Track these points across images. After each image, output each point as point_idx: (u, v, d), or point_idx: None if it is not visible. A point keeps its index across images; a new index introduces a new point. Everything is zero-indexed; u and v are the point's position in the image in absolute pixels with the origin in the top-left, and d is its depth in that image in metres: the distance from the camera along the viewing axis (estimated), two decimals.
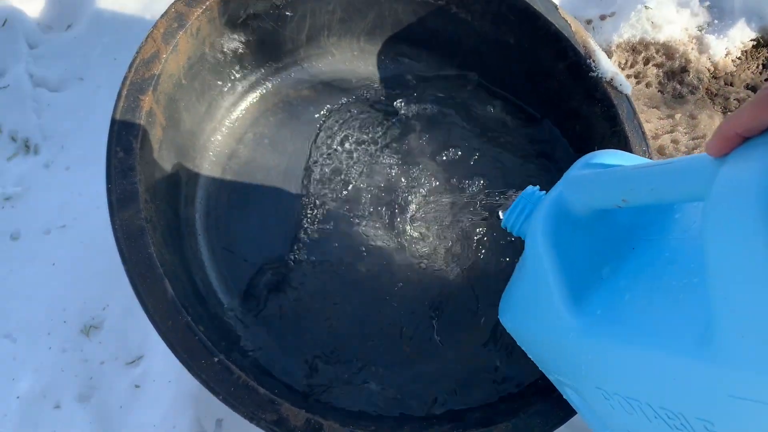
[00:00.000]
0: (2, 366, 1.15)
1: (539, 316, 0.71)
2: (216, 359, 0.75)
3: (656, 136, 1.46)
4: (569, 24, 1.13)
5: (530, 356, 0.82)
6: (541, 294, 0.67)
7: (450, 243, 1.15)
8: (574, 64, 1.15)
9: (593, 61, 1.13)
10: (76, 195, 1.28)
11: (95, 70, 1.44)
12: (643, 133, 1.10)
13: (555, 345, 0.69)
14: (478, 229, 1.15)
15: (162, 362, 1.14)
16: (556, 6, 1.14)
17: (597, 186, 0.61)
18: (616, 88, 1.13)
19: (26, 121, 1.37)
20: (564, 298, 0.64)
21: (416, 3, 1.15)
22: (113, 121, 0.88)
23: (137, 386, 1.13)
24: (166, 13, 0.92)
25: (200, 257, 1.03)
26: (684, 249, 0.59)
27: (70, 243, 1.22)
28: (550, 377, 0.79)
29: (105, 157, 0.87)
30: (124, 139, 0.87)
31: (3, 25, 1.48)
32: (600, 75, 1.13)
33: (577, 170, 0.67)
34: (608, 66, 1.13)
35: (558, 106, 1.22)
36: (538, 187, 0.79)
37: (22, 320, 1.19)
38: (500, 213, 0.87)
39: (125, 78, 0.90)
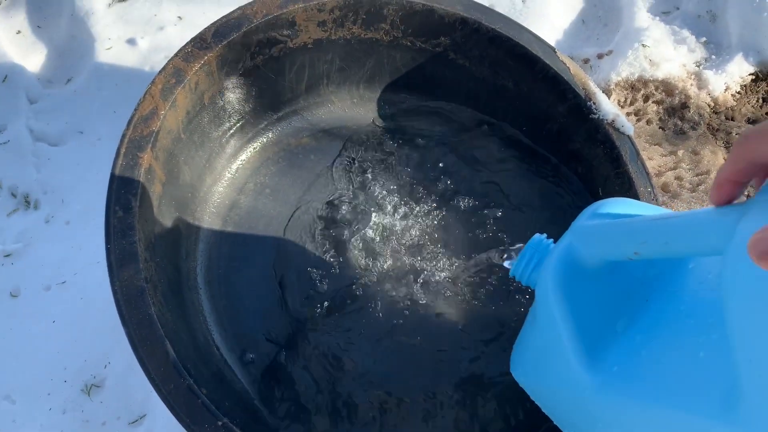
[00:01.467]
0: (1, 429, 1.12)
1: (552, 370, 0.69)
2: (220, 423, 0.73)
3: (659, 173, 1.46)
4: (568, 67, 1.14)
5: (544, 411, 0.80)
6: (553, 348, 0.65)
7: (462, 293, 1.13)
8: (574, 107, 1.15)
9: (594, 103, 1.13)
10: (76, 250, 1.27)
11: (95, 123, 1.45)
12: (647, 173, 1.10)
13: (570, 401, 0.67)
14: (489, 279, 1.14)
15: (165, 421, 1.11)
16: (554, 49, 1.15)
17: (608, 238, 0.60)
18: (618, 130, 1.13)
19: (26, 176, 1.37)
20: (578, 354, 0.62)
21: (414, 50, 1.16)
22: (112, 180, 0.88)
23: None
24: (164, 68, 0.93)
25: (202, 312, 1.01)
26: (701, 302, 0.57)
27: (71, 299, 1.21)
28: None
29: (104, 211, 0.87)
30: (123, 198, 0.87)
31: (3, 80, 1.50)
32: (601, 117, 1.13)
33: (585, 220, 0.67)
34: (609, 107, 1.14)
35: (560, 149, 1.23)
36: (545, 235, 0.78)
37: (21, 380, 1.17)
38: (505, 262, 0.86)
39: (123, 135, 0.91)
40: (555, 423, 0.79)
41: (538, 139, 1.25)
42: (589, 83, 1.15)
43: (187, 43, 0.95)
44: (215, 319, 1.03)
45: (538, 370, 0.74)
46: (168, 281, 0.91)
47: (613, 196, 1.11)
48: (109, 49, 1.53)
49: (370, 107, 1.26)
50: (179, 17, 1.58)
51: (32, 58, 1.57)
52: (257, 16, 0.99)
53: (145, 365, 0.75)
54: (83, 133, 1.45)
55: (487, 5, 1.56)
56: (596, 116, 1.13)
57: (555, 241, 0.73)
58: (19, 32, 1.61)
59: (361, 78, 1.21)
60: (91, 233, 1.29)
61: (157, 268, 0.88)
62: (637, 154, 1.10)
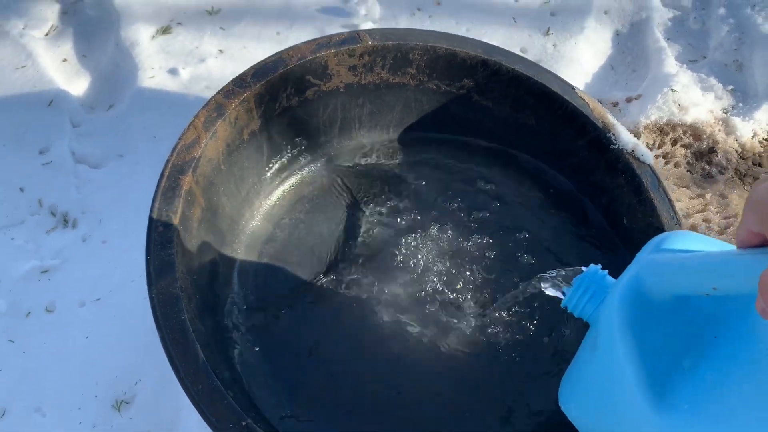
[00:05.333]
0: None
1: (612, 406, 0.68)
2: (243, 423, 0.86)
3: (688, 215, 1.57)
4: (587, 102, 1.28)
5: None
6: (614, 383, 0.66)
7: (493, 324, 1.25)
8: (594, 139, 1.28)
9: (613, 134, 1.26)
10: (111, 268, 1.43)
11: (135, 148, 1.63)
12: (670, 199, 1.21)
13: None
14: (522, 310, 1.26)
15: None
16: (572, 87, 1.29)
17: (683, 272, 0.61)
18: (638, 159, 1.25)
19: (66, 196, 1.55)
20: (644, 390, 0.62)
21: (439, 93, 1.32)
22: (155, 199, 1.04)
23: None
24: (206, 103, 1.10)
25: (232, 338, 1.15)
26: None
27: (105, 316, 1.36)
28: None
29: (140, 231, 1.03)
30: (165, 215, 1.03)
31: (49, 104, 1.69)
32: (621, 147, 1.26)
33: (650, 252, 0.69)
34: (628, 138, 1.26)
35: (582, 180, 1.35)
36: (599, 266, 0.80)
37: (53, 394, 1.31)
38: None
39: (168, 161, 1.07)
40: None
41: (561, 172, 1.39)
42: (608, 116, 1.27)
43: (228, 83, 1.12)
44: (245, 344, 1.16)
45: (594, 405, 0.74)
46: (202, 299, 1.06)
47: (638, 224, 1.25)
48: (151, 78, 1.72)
49: (400, 147, 1.41)
50: (220, 50, 1.77)
51: (77, 84, 1.77)
52: (293, 59, 1.15)
53: (176, 365, 0.89)
54: (123, 156, 1.62)
55: (518, 50, 1.73)
56: (616, 147, 1.26)
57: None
58: (65, 60, 1.81)
59: (390, 121, 1.37)
60: (127, 253, 1.44)
61: (192, 284, 1.03)
62: (659, 181, 1.22)
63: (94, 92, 1.77)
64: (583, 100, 1.27)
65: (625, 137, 1.26)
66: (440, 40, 1.25)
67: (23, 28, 1.83)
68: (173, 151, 1.07)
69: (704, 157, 1.63)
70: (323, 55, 1.18)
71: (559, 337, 1.23)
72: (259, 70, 1.15)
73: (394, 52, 1.23)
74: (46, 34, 1.86)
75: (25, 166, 1.58)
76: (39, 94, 1.70)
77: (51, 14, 1.90)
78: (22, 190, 1.54)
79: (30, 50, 1.78)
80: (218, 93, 1.11)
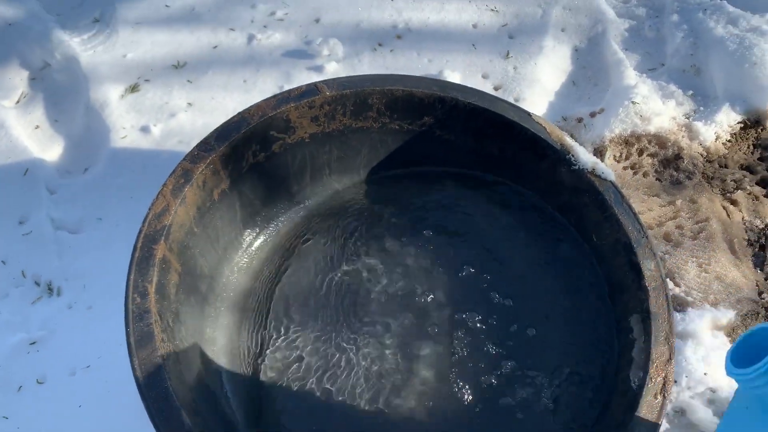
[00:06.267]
0: None
1: None
2: None
3: (660, 224, 1.60)
4: (544, 127, 1.32)
5: None
6: None
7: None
8: (555, 161, 1.33)
9: (572, 155, 1.30)
10: (98, 334, 1.45)
11: (113, 210, 1.65)
12: (634, 213, 1.25)
13: None
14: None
15: None
16: (528, 113, 1.33)
17: None
18: (599, 177, 1.29)
19: (48, 264, 1.57)
20: None
21: (403, 132, 1.36)
22: (129, 270, 1.07)
23: None
24: (173, 171, 1.13)
25: (223, 389, 1.17)
26: None
27: (95, 382, 1.38)
28: None
29: (124, 298, 1.05)
30: (140, 286, 1.06)
31: (25, 174, 1.72)
32: (581, 167, 1.30)
33: None
34: (587, 157, 1.31)
35: (552, 201, 1.39)
36: None
37: None
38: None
39: (140, 231, 1.10)
40: None
41: (531, 193, 1.42)
42: (565, 138, 1.31)
43: (193, 148, 1.16)
44: (237, 399, 1.19)
45: None
46: (188, 363, 1.08)
47: (606, 240, 1.29)
48: (123, 137, 1.75)
49: (371, 187, 1.45)
50: (189, 103, 1.80)
51: (50, 150, 1.80)
52: (254, 117, 1.19)
53: None
54: (101, 219, 1.65)
55: (480, 76, 1.77)
56: (577, 167, 1.29)
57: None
58: (37, 127, 1.84)
59: (359, 163, 1.41)
60: (112, 316, 1.46)
61: (175, 350, 1.05)
62: (622, 196, 1.26)
63: (68, 157, 1.80)
64: (540, 125, 1.31)
65: (584, 157, 1.30)
66: (396, 82, 1.29)
67: None
68: (144, 221, 1.10)
69: (671, 164, 1.66)
70: (284, 110, 1.22)
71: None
72: (223, 132, 1.18)
73: (353, 99, 1.27)
74: (17, 102, 1.89)
75: (5, 239, 1.60)
76: (14, 165, 1.73)
77: (20, 81, 1.93)
78: (4, 262, 1.57)
79: (1, 120, 1.81)
80: (184, 159, 1.14)
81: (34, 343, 1.46)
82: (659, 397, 1.05)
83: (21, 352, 1.44)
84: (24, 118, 1.85)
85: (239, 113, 1.20)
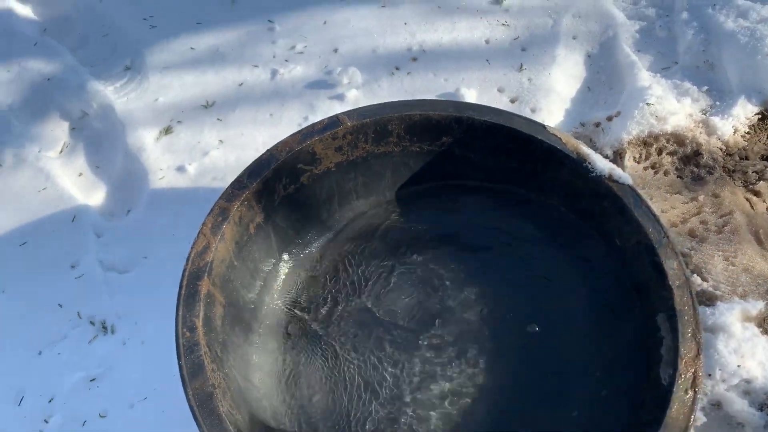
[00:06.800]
0: None
1: None
2: None
3: (684, 220, 1.63)
4: (559, 138, 1.37)
5: None
6: None
7: None
8: (573, 170, 1.37)
9: (589, 163, 1.35)
10: (153, 367, 1.54)
11: (157, 248, 1.74)
12: (654, 215, 1.28)
13: None
14: None
15: None
16: (543, 126, 1.38)
17: None
18: (617, 182, 1.33)
19: (101, 304, 1.67)
20: None
21: (423, 153, 1.42)
22: (177, 306, 1.15)
23: None
24: (211, 210, 1.21)
25: (273, 412, 1.25)
26: None
27: (153, 413, 1.47)
28: None
29: (174, 333, 1.13)
30: (188, 321, 1.13)
31: (73, 220, 1.82)
32: (598, 173, 1.34)
33: None
34: (603, 164, 1.35)
35: (573, 209, 1.44)
36: None
37: None
38: None
39: (184, 269, 1.18)
40: None
41: (551, 202, 1.47)
42: (581, 147, 1.36)
43: (228, 186, 1.23)
44: (288, 421, 1.26)
45: None
46: (239, 387, 1.15)
47: (629, 243, 1.32)
48: (161, 179, 1.85)
49: (397, 207, 1.52)
50: (220, 141, 1.89)
51: (95, 195, 1.90)
52: (282, 153, 1.27)
53: None
54: (147, 258, 1.74)
55: (496, 90, 1.82)
56: (594, 174, 1.34)
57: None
58: (81, 174, 1.95)
59: (385, 187, 1.48)
60: (165, 349, 1.54)
61: (225, 378, 1.12)
62: (641, 199, 1.30)
63: (111, 200, 1.90)
64: (556, 136, 1.36)
65: (600, 164, 1.34)
66: (413, 107, 1.35)
67: (38, 152, 1.98)
68: (188, 259, 1.18)
69: (691, 161, 1.69)
70: (310, 143, 1.30)
71: None
72: (254, 169, 1.26)
73: (373, 127, 1.34)
74: (60, 152, 2.01)
75: (59, 283, 1.70)
76: (62, 213, 1.84)
77: (61, 132, 2.05)
78: (60, 306, 1.67)
79: (47, 171, 1.92)
80: (220, 198, 1.22)
81: (93, 379, 1.55)
82: (690, 393, 1.09)
83: (83, 389, 1.53)
84: (68, 166, 1.96)
85: (268, 150, 1.28)
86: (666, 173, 1.70)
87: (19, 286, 1.71)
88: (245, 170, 1.26)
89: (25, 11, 2.41)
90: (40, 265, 1.75)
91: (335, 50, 2.02)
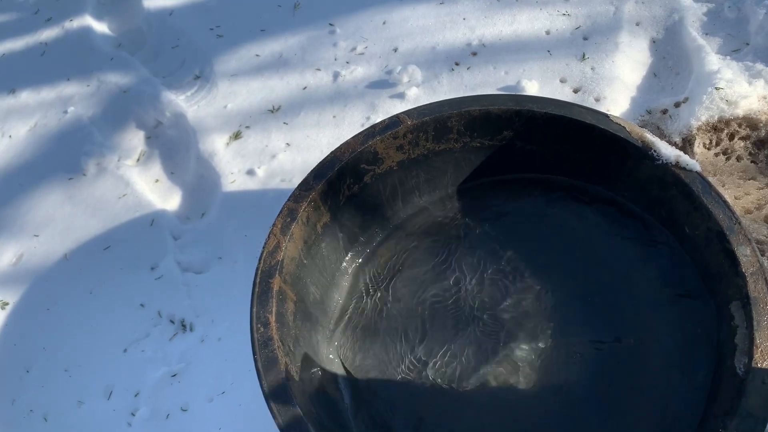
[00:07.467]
0: None
1: None
2: None
3: (760, 207, 1.58)
4: (623, 126, 1.35)
5: None
6: None
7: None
8: (639, 159, 1.35)
9: (654, 151, 1.32)
10: (230, 362, 1.61)
11: (231, 249, 1.82)
12: (725, 202, 1.25)
13: None
14: None
15: None
16: (606, 114, 1.36)
17: None
18: (684, 169, 1.30)
19: (180, 303, 1.75)
20: None
21: (485, 148, 1.43)
22: (252, 303, 1.20)
23: None
24: (280, 211, 1.26)
25: (345, 403, 1.29)
26: None
27: (232, 407, 1.53)
28: None
29: (249, 328, 1.18)
30: (262, 317, 1.18)
31: (151, 224, 1.92)
32: (665, 161, 1.32)
33: None
34: (669, 151, 1.32)
35: (640, 198, 1.41)
36: None
37: None
38: None
39: (257, 268, 1.23)
40: None
41: (618, 193, 1.45)
42: (646, 135, 1.34)
43: (295, 188, 1.28)
44: (358, 410, 1.30)
45: None
46: (311, 379, 1.20)
47: (698, 230, 1.30)
48: (233, 182, 1.92)
49: (460, 202, 1.53)
50: (287, 143, 1.95)
51: (171, 200, 2.00)
52: (345, 155, 1.30)
53: None
54: (222, 258, 1.81)
55: (558, 81, 1.81)
56: (660, 161, 1.31)
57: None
58: (157, 181, 2.05)
59: (447, 182, 1.50)
60: (240, 345, 1.62)
61: (298, 370, 1.17)
62: (709, 186, 1.27)
63: (186, 205, 1.99)
64: (619, 125, 1.34)
65: (666, 151, 1.32)
66: (472, 103, 1.36)
67: (118, 160, 2.09)
68: (260, 258, 1.24)
69: (765, 145, 1.63)
70: (371, 144, 1.33)
71: None
72: (319, 171, 1.30)
73: (433, 125, 1.36)
74: (137, 160, 2.11)
75: (141, 284, 1.80)
76: (142, 218, 1.94)
77: (138, 141, 2.15)
78: (142, 305, 1.76)
79: (127, 179, 2.03)
80: (288, 200, 1.27)
81: (175, 375, 1.63)
82: (767, 382, 1.06)
83: (165, 384, 1.62)
84: (145, 174, 2.06)
85: (332, 152, 1.32)
86: (738, 159, 1.64)
87: (104, 288, 1.81)
88: (311, 172, 1.30)
89: (102, 27, 2.55)
90: (123, 267, 1.85)
91: (395, 49, 2.05)
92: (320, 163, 1.31)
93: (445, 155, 1.43)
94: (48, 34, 2.56)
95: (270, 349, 1.14)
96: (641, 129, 1.35)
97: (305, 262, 1.29)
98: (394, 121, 1.34)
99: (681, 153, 1.31)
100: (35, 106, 2.33)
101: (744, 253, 1.17)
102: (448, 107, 1.36)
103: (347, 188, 1.35)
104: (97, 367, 1.68)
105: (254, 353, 1.15)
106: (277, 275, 1.21)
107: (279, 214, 1.25)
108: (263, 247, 1.23)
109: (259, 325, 1.18)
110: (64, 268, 1.89)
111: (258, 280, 1.21)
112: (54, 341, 1.75)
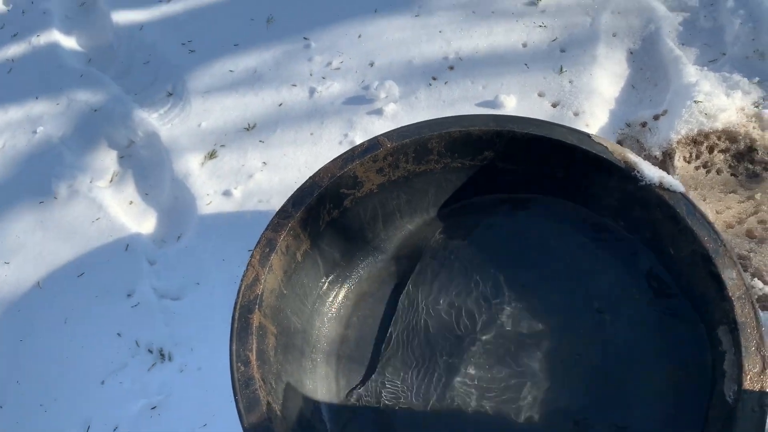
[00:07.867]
0: None
1: None
2: None
3: (741, 221, 1.57)
4: (605, 146, 1.33)
5: None
6: None
7: None
8: (621, 179, 1.33)
9: (637, 171, 1.30)
10: (210, 392, 1.57)
11: (209, 274, 1.77)
12: (709, 222, 1.23)
13: None
14: None
15: None
16: (588, 134, 1.35)
17: None
18: (667, 190, 1.29)
19: (157, 331, 1.70)
20: None
21: (466, 169, 1.40)
22: (231, 341, 1.16)
23: None
24: (258, 241, 1.22)
25: None
26: None
27: None
28: None
29: (229, 368, 1.15)
30: (242, 355, 1.15)
31: (126, 249, 1.87)
32: (648, 182, 1.30)
33: None
34: (653, 172, 1.30)
35: (623, 219, 1.40)
36: None
37: None
38: None
39: (235, 303, 1.19)
40: None
41: (601, 213, 1.43)
42: (629, 155, 1.32)
43: (273, 216, 1.25)
44: None
45: None
46: (294, 413, 1.16)
47: (683, 252, 1.28)
48: (209, 204, 1.88)
49: (442, 222, 1.51)
50: (264, 162, 1.91)
51: (146, 223, 1.95)
52: (324, 180, 1.27)
53: None
54: (199, 284, 1.77)
55: (536, 93, 1.79)
56: (644, 182, 1.30)
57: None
58: (131, 203, 2.00)
59: (428, 203, 1.47)
60: (221, 375, 1.57)
61: (281, 407, 1.13)
62: (694, 207, 1.25)
63: (162, 227, 1.94)
64: (602, 144, 1.33)
65: (649, 172, 1.30)
66: (453, 124, 1.34)
67: (90, 182, 2.03)
68: (238, 293, 1.20)
69: (745, 158, 1.63)
70: (351, 168, 1.30)
71: None
72: (298, 198, 1.27)
73: (413, 147, 1.33)
74: (110, 181, 2.06)
75: (117, 313, 1.75)
76: (115, 242, 1.89)
77: (110, 161, 2.10)
78: (119, 335, 1.71)
79: (100, 202, 1.97)
80: (267, 229, 1.23)
81: (154, 407, 1.59)
82: (758, 409, 1.05)
83: (145, 417, 1.57)
84: (118, 195, 2.01)
85: (310, 177, 1.29)
86: (719, 172, 1.64)
87: (80, 317, 1.76)
88: (289, 199, 1.26)
89: (70, 43, 2.49)
90: (99, 294, 1.80)
91: (371, 64, 2.02)
92: (299, 189, 1.27)
93: (425, 176, 1.41)
94: (15, 50, 2.49)
95: (251, 390, 1.11)
96: (623, 149, 1.33)
97: (285, 292, 1.26)
98: (374, 144, 1.31)
99: (664, 174, 1.30)
100: (3, 126, 2.26)
101: (730, 276, 1.16)
102: (428, 129, 1.33)
103: (327, 214, 1.32)
104: (73, 401, 1.63)
105: (235, 394, 1.11)
106: (256, 310, 1.18)
107: (257, 245, 1.21)
108: (242, 280, 1.20)
109: (239, 365, 1.14)
110: (37, 296, 1.83)
111: (237, 315, 1.18)
112: (28, 374, 1.70)
